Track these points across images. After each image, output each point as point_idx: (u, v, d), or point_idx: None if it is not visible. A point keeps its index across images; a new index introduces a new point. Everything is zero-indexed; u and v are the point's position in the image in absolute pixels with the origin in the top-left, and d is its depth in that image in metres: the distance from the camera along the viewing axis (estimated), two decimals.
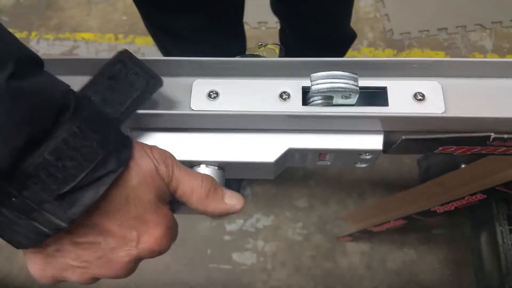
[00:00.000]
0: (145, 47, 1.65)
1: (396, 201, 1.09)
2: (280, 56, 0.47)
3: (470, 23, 1.66)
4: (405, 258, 1.33)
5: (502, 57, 1.59)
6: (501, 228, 1.07)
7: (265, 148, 0.36)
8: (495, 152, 0.37)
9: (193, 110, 0.35)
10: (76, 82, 0.36)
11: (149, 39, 1.66)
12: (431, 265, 1.32)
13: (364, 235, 1.29)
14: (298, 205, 1.39)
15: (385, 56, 1.59)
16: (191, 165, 0.37)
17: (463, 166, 1.09)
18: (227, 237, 1.36)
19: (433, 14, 1.68)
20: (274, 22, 1.59)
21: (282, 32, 1.04)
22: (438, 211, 0.97)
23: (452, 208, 0.95)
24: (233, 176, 0.39)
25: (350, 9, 0.91)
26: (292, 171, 1.44)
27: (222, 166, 0.37)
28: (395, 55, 1.60)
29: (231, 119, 0.35)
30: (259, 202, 1.40)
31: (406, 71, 0.35)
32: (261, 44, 0.46)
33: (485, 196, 0.86)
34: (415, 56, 1.61)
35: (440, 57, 1.60)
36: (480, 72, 0.34)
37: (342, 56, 1.00)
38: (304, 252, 1.34)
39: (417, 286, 1.30)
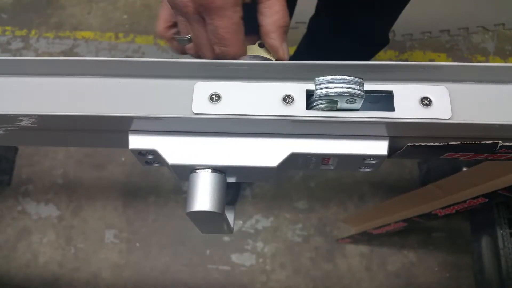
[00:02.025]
0: (146, 46, 1.65)
1: (396, 204, 1.09)
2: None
3: (473, 25, 1.66)
4: (405, 260, 1.32)
5: (504, 59, 1.58)
6: (502, 231, 1.06)
7: (268, 153, 0.36)
8: (502, 159, 0.37)
9: (195, 113, 0.34)
10: (77, 83, 0.36)
11: (150, 38, 1.66)
12: (431, 268, 1.32)
13: (363, 237, 1.29)
14: (298, 207, 1.39)
15: (387, 58, 1.59)
16: (192, 169, 0.36)
17: (464, 169, 1.09)
18: (226, 238, 1.35)
19: (435, 16, 1.67)
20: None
21: (316, 17, 0.94)
22: (439, 214, 0.97)
23: (454, 211, 0.94)
24: (235, 180, 0.39)
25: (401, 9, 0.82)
26: (292, 173, 1.43)
27: (223, 170, 0.36)
28: (396, 57, 1.60)
29: (233, 123, 0.34)
30: (258, 203, 1.39)
31: (412, 75, 0.34)
32: (262, 43, 0.45)
33: (487, 199, 0.86)
34: (416, 58, 1.60)
35: (442, 59, 1.60)
36: (488, 77, 0.34)
37: (367, 58, 0.93)
38: (304, 253, 1.34)
39: None
